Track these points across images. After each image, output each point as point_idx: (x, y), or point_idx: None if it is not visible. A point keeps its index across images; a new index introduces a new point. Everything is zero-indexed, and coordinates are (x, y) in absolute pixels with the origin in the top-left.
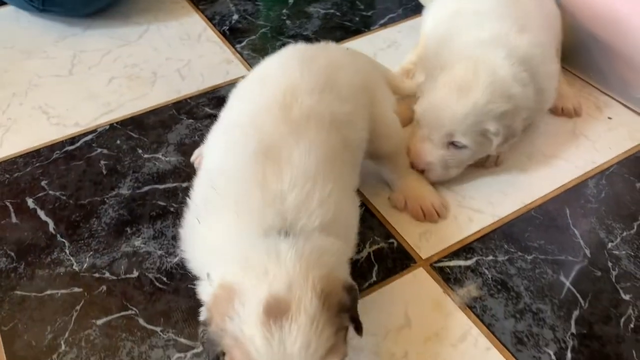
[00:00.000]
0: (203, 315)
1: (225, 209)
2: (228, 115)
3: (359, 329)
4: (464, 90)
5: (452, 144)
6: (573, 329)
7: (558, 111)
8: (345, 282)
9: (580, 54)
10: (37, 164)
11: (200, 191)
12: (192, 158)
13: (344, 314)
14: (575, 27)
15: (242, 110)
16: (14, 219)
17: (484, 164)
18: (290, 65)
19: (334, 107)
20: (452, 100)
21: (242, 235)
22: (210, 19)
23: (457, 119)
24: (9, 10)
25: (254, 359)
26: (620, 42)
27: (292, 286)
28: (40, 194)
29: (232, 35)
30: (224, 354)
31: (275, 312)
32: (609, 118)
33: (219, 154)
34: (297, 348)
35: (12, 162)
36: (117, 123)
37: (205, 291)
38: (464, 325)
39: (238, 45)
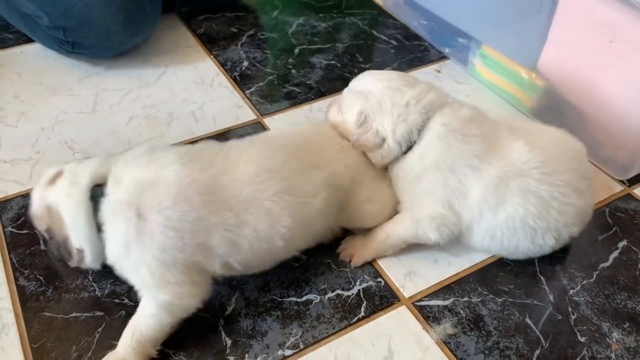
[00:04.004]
0: None
1: None
2: None
3: None
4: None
5: None
6: None
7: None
8: None
9: (554, 115)
10: None
11: None
12: None
13: None
14: (550, 91)
15: None
16: (42, 246)
17: None
18: None
19: None
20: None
21: None
22: (223, 65)
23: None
24: (37, 47)
25: None
26: (589, 106)
27: None
28: None
29: (242, 81)
30: None
31: None
32: None
33: None
34: None
35: None
36: None
37: None
38: (439, 358)
39: (247, 91)
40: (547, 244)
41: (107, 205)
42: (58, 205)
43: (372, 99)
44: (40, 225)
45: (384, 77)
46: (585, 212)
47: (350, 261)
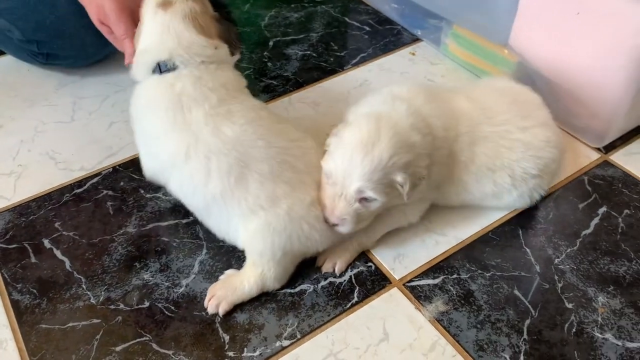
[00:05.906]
0: None
1: None
2: None
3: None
4: (369, 146)
5: (364, 199)
6: (525, 335)
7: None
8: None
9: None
10: (50, 207)
11: None
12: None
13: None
14: (523, 66)
15: None
16: (33, 259)
17: None
18: None
19: None
20: (358, 158)
21: None
22: None
23: (365, 176)
24: (8, 59)
25: None
26: (562, 78)
27: None
28: (55, 235)
29: None
30: None
31: None
32: None
33: None
34: None
35: (27, 207)
36: (119, 165)
37: None
38: (433, 336)
39: None
40: (505, 182)
41: (157, 82)
42: (144, 27)
43: (413, 149)
44: None
45: (382, 122)
46: (536, 146)
47: (334, 269)
